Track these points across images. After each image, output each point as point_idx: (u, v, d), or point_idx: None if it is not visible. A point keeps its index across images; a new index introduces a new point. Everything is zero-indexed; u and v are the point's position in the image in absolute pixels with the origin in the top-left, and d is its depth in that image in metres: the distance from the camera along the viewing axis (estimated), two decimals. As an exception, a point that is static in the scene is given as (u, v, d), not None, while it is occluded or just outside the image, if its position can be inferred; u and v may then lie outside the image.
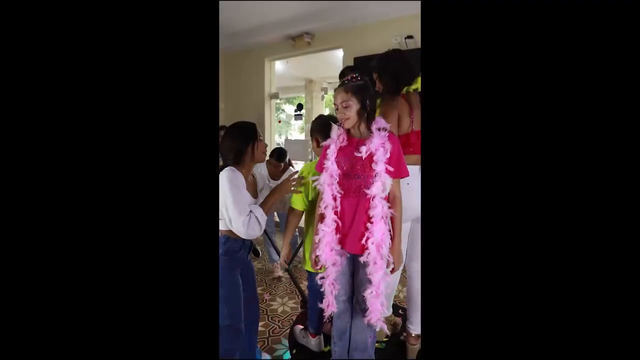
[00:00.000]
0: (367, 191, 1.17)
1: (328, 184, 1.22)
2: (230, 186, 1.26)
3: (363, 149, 1.17)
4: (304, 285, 2.71)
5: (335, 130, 1.24)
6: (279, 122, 7.04)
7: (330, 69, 5.03)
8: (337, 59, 4.06)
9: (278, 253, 2.55)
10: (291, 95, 7.95)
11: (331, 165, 1.22)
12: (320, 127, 1.42)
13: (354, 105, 1.17)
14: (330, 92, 7.12)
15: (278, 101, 5.09)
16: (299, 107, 4.18)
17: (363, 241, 1.18)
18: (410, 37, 3.08)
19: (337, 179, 1.22)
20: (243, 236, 1.30)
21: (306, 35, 3.65)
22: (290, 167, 2.79)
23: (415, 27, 3.04)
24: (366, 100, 1.17)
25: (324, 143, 1.28)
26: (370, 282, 1.19)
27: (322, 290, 1.29)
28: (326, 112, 4.25)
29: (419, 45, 2.94)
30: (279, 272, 2.81)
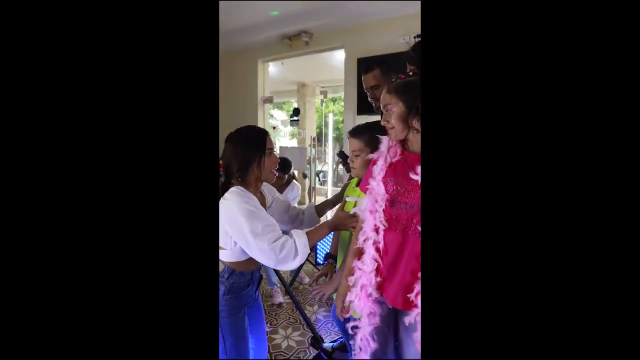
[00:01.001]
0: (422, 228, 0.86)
1: (371, 211, 0.93)
2: (243, 207, 0.99)
3: (419, 169, 0.86)
4: (308, 310, 2.40)
5: (385, 142, 0.95)
6: (274, 128, 6.67)
7: (327, 71, 4.78)
8: (336, 60, 3.81)
9: (278, 275, 2.23)
10: (280, 100, 7.66)
11: (377, 186, 0.92)
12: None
13: (396, 108, 0.89)
14: (330, 96, 6.86)
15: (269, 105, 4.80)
16: (296, 112, 3.87)
17: (412, 296, 0.88)
18: (419, 36, 2.83)
19: (383, 206, 0.92)
20: (272, 264, 1.00)
21: (304, 34, 3.37)
22: (294, 180, 2.48)
23: (425, 26, 2.80)
24: (415, 100, 0.87)
25: (371, 156, 0.99)
26: (419, 353, 0.88)
27: (351, 343, 1.01)
28: (330, 118, 3.94)
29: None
30: (280, 298, 2.48)
